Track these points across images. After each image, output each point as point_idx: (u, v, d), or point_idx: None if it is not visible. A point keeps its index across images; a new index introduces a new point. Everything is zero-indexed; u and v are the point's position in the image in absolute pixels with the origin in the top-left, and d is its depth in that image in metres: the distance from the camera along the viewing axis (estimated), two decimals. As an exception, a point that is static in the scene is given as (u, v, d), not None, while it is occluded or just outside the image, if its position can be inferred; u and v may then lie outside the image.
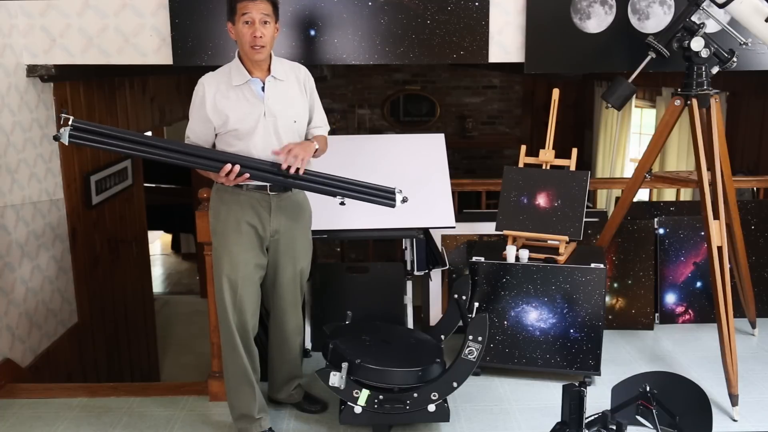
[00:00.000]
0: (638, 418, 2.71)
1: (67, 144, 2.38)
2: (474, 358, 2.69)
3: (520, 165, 3.35)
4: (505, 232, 3.27)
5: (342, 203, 2.67)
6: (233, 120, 2.56)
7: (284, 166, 2.52)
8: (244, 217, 2.64)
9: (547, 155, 3.32)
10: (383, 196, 2.75)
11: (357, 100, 9.82)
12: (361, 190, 2.72)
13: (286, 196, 2.70)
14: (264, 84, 2.60)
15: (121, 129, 2.57)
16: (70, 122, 2.36)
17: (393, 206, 2.77)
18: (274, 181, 2.60)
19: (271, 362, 2.97)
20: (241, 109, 2.57)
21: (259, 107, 2.58)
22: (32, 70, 3.65)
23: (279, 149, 2.57)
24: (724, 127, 3.43)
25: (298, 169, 2.54)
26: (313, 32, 3.49)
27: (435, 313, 3.79)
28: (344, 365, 2.63)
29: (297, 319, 2.91)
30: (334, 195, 2.67)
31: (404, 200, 2.76)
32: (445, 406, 2.70)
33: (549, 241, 3.26)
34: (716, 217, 3.02)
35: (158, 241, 10.10)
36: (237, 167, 2.49)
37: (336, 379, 2.62)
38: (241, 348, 2.70)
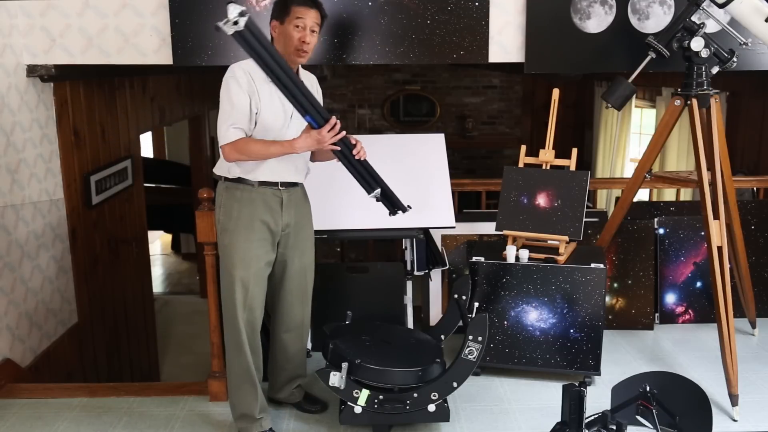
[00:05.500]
0: (638, 418, 2.71)
1: (229, 34, 2.19)
2: (474, 358, 2.69)
3: (520, 165, 3.35)
4: (505, 232, 3.27)
5: (377, 199, 2.75)
6: (264, 115, 2.57)
7: (362, 156, 2.60)
8: (257, 215, 2.65)
9: (547, 155, 3.32)
10: (398, 206, 2.84)
11: (357, 100, 9.82)
12: (388, 194, 2.79)
13: (295, 191, 2.74)
14: None
15: (276, 53, 2.39)
16: (247, 16, 2.20)
17: (394, 214, 2.85)
18: (349, 160, 2.61)
19: (274, 361, 2.97)
20: (274, 105, 2.58)
21: (288, 108, 2.60)
22: (32, 70, 3.64)
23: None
24: (724, 127, 3.43)
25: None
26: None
27: (435, 313, 3.79)
28: (344, 365, 2.64)
29: (303, 315, 2.91)
30: (371, 189, 2.72)
31: (406, 209, 2.86)
32: (445, 406, 2.70)
33: (549, 241, 3.26)
34: (716, 217, 3.02)
35: (158, 241, 10.10)
36: (339, 123, 2.48)
37: (336, 379, 2.62)
38: (247, 347, 2.71)
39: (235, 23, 2.18)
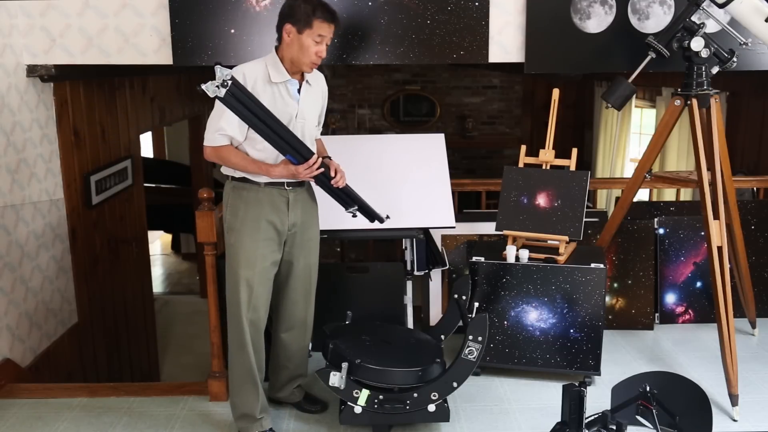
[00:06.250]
0: (638, 418, 2.72)
1: (211, 96, 2.34)
2: (474, 358, 2.69)
3: (520, 165, 3.36)
4: (505, 232, 3.27)
5: (353, 215, 2.83)
6: None
7: (341, 185, 2.66)
8: (264, 215, 2.66)
9: (547, 155, 3.32)
10: (376, 217, 2.91)
11: (357, 100, 9.82)
12: (366, 208, 2.85)
13: (301, 190, 2.75)
14: (300, 87, 2.66)
15: (261, 108, 2.47)
16: (230, 81, 2.32)
17: (372, 222, 2.91)
18: (328, 187, 2.69)
19: (275, 360, 2.98)
20: (277, 106, 2.58)
21: (293, 108, 2.63)
22: (32, 70, 3.65)
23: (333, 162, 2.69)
24: (724, 127, 3.43)
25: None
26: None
27: (435, 313, 3.79)
28: (344, 365, 2.64)
29: (306, 314, 2.92)
30: (348, 206, 2.79)
31: (383, 220, 2.93)
32: (445, 406, 2.70)
33: (549, 241, 3.26)
34: (716, 217, 3.02)
35: (158, 241, 10.10)
36: (320, 160, 2.57)
37: (336, 379, 2.62)
38: (250, 347, 2.72)
39: (218, 87, 2.32)
